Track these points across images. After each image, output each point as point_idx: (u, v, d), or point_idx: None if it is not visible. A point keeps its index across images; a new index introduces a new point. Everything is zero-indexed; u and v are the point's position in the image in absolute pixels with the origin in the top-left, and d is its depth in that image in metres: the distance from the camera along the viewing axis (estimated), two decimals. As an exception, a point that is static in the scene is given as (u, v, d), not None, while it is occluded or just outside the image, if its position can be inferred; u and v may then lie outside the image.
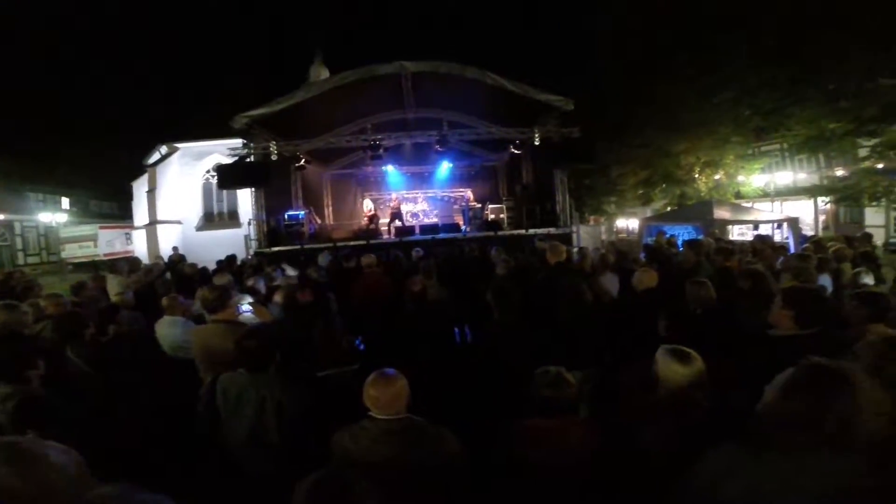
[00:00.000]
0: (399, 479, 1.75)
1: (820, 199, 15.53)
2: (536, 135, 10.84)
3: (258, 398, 2.13)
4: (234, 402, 2.17)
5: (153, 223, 17.58)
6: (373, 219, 13.37)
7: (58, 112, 29.91)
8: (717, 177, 16.23)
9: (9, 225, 22.78)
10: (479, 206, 13.89)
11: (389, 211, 13.71)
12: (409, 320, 3.91)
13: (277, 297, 4.06)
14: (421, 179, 15.73)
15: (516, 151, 12.53)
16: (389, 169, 14.48)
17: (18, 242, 23.48)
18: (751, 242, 7.33)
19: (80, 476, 1.07)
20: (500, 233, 11.03)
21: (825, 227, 16.42)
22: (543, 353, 2.26)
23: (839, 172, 14.38)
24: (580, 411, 1.91)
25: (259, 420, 2.12)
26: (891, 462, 1.15)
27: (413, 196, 15.75)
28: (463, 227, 12.50)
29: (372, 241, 10.53)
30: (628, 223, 23.15)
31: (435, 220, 14.60)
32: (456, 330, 3.96)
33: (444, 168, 14.63)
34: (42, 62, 32.60)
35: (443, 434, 1.86)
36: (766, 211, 12.94)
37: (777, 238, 9.43)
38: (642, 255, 6.48)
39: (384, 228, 13.31)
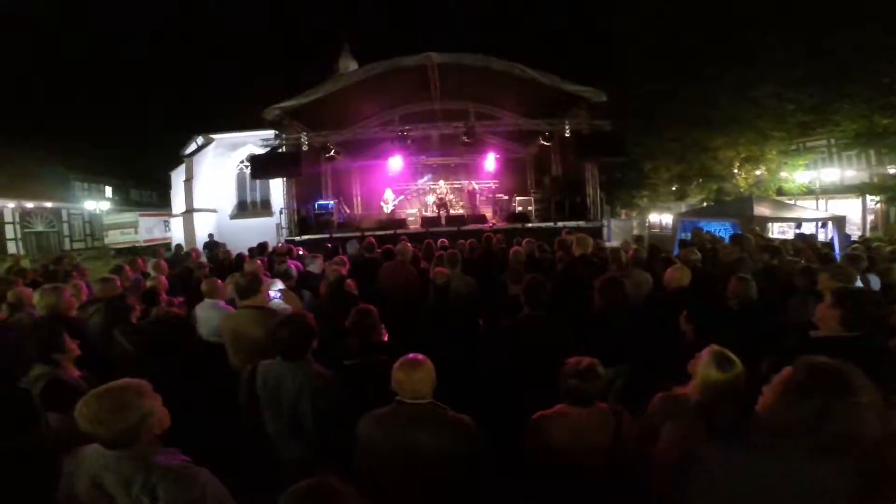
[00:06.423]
0: (421, 463, 1.77)
1: (869, 198, 14.67)
2: (567, 127, 10.61)
3: (295, 387, 2.15)
4: (273, 391, 2.20)
5: (190, 211, 18.17)
6: (393, 210, 13.46)
7: (101, 104, 31.36)
8: (758, 172, 15.55)
9: (56, 212, 23.99)
10: (506, 197, 13.76)
11: (436, 201, 13.72)
12: (433, 311, 3.91)
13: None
14: (447, 170, 15.68)
15: (546, 143, 12.30)
16: (416, 160, 14.47)
17: (65, 229, 24.69)
18: (791, 241, 7.02)
19: None
20: (527, 225, 10.91)
21: (873, 228, 15.51)
22: (574, 346, 2.23)
23: (891, 170, 13.55)
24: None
25: (296, 408, 2.15)
26: (877, 464, 1.18)
27: (439, 187, 15.74)
28: (489, 219, 12.42)
29: (399, 231, 10.60)
30: (662, 218, 22.47)
31: (461, 211, 14.56)
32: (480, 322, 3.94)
33: (471, 159, 14.51)
34: (87, 59, 34.14)
35: (465, 422, 1.86)
36: (811, 209, 12.29)
37: (821, 237, 8.97)
38: (675, 252, 6.28)
39: (410, 219, 13.36)
